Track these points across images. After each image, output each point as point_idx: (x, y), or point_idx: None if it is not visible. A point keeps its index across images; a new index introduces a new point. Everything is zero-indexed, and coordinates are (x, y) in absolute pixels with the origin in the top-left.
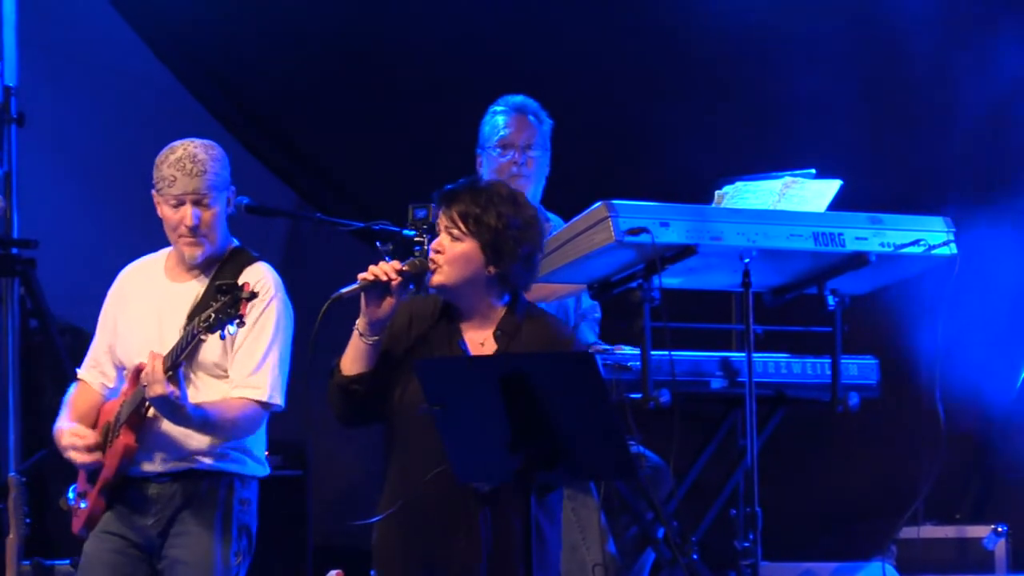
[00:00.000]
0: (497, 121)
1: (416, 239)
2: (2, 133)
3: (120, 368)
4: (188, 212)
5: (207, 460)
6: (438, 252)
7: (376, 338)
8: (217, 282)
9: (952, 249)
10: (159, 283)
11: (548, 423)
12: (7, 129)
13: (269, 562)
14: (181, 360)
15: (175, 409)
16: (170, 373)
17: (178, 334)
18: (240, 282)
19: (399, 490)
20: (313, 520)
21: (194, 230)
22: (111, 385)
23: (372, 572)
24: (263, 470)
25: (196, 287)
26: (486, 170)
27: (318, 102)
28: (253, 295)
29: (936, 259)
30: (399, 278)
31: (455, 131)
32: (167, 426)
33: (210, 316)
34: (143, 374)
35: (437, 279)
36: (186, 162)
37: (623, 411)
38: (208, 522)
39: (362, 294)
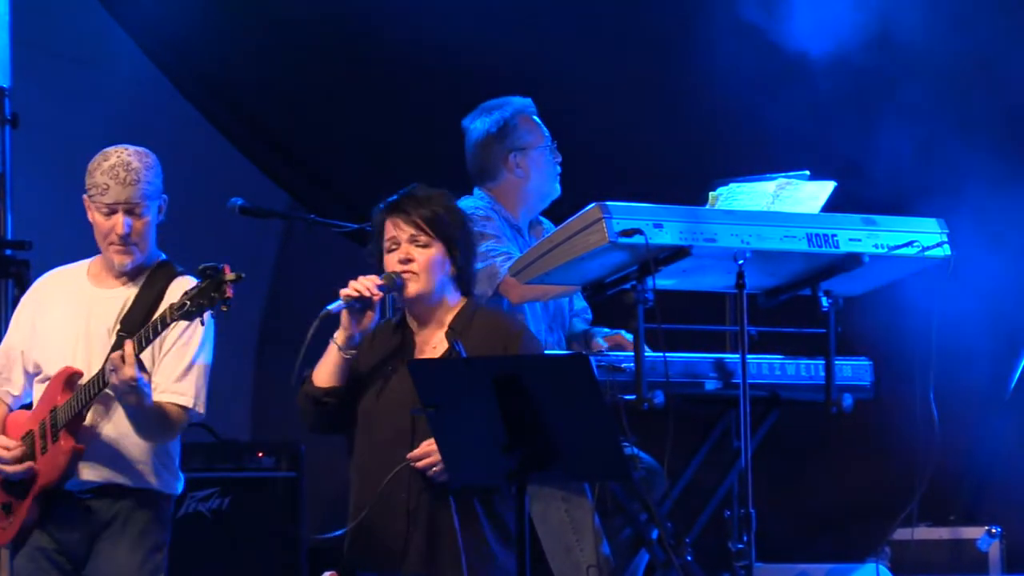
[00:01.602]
0: (540, 122)
1: None
2: None
3: (31, 375)
4: (120, 220)
5: (138, 476)
6: (408, 261)
7: (354, 351)
8: (200, 266)
9: (946, 250)
10: (84, 289)
11: (542, 424)
12: (1, 130)
13: (264, 563)
14: (146, 346)
15: (137, 393)
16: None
17: (108, 338)
18: (220, 265)
19: (361, 496)
20: (307, 521)
21: (125, 239)
22: (16, 393)
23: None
24: (180, 487)
25: (125, 293)
26: (537, 171)
27: (312, 103)
28: (239, 278)
29: (930, 260)
30: (380, 293)
31: (450, 133)
32: (103, 437)
33: (184, 304)
34: (112, 358)
35: (415, 288)
36: (119, 170)
37: (617, 412)
38: (131, 539)
39: (345, 310)
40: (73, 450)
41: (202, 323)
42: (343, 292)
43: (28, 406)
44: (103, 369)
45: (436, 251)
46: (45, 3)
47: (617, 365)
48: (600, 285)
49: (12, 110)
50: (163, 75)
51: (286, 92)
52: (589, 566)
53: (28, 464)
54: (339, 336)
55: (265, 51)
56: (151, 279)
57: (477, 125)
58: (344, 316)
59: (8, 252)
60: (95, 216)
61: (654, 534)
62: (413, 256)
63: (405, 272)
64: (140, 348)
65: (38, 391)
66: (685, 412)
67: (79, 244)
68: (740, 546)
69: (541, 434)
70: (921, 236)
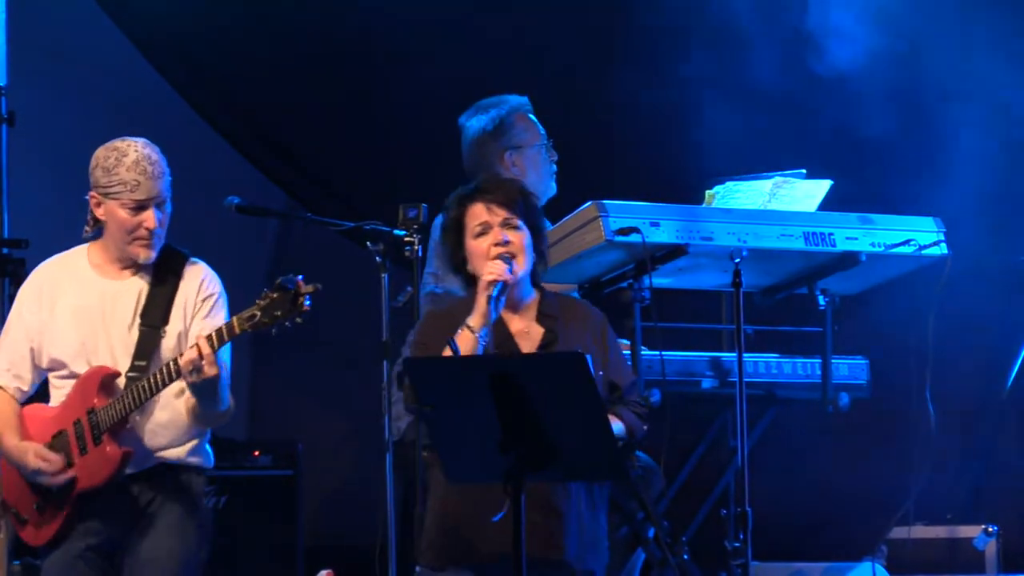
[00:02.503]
0: (536, 120)
1: (406, 239)
2: None
3: (42, 370)
4: (151, 215)
5: (176, 454)
6: (502, 244)
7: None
8: (278, 279)
9: (942, 249)
10: (93, 281)
11: (539, 423)
12: None
13: (260, 562)
14: (220, 347)
15: (219, 387)
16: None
17: (128, 332)
18: (296, 278)
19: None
20: (304, 520)
21: (155, 233)
22: (26, 389)
23: (418, 568)
24: (211, 462)
25: (137, 284)
26: (532, 169)
27: (308, 102)
28: (316, 290)
29: (927, 259)
30: (511, 276)
31: (445, 131)
32: (143, 432)
33: (255, 315)
34: (188, 359)
35: (518, 271)
36: (146, 165)
37: None
38: (175, 516)
39: (495, 295)
40: (124, 456)
41: (274, 332)
42: (487, 278)
43: (33, 398)
44: (155, 375)
45: (526, 235)
46: (42, 2)
47: None
48: (597, 283)
49: (8, 108)
50: (159, 73)
51: (282, 90)
52: None
53: (70, 474)
54: (475, 322)
55: (261, 49)
56: (161, 268)
57: (473, 123)
58: (484, 302)
59: (5, 251)
60: (118, 212)
61: (651, 532)
62: (511, 237)
63: (504, 253)
64: (214, 348)
65: (60, 386)
66: (682, 410)
67: (75, 242)
68: (736, 544)
69: (538, 433)
70: (918, 235)
